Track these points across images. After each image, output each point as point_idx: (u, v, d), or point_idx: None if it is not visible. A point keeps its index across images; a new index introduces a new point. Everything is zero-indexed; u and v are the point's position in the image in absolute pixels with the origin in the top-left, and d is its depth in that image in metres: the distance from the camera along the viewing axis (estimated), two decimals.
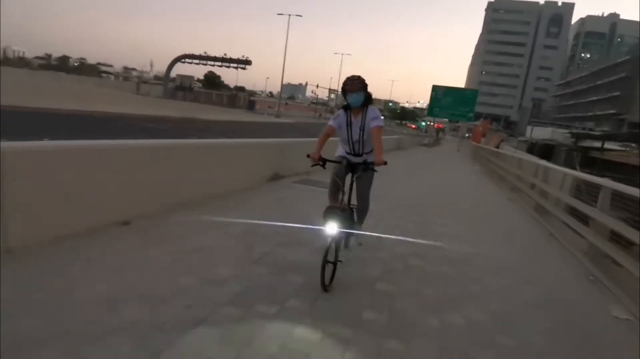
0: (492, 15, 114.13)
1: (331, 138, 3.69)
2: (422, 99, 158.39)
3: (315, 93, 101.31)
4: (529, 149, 26.38)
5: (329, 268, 3.21)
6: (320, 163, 3.51)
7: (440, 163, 20.40)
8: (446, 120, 48.67)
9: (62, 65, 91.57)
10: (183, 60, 54.19)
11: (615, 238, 4.51)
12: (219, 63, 55.11)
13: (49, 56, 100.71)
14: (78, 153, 3.80)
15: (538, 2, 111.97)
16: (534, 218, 7.58)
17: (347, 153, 3.81)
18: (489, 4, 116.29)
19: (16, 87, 25.58)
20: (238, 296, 2.96)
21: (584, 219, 5.45)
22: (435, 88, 33.71)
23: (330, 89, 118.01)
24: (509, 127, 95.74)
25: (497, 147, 24.60)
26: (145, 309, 2.60)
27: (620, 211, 4.88)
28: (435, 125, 54.03)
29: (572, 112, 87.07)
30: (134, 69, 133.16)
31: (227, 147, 6.95)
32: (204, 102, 52.56)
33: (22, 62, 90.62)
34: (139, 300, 2.70)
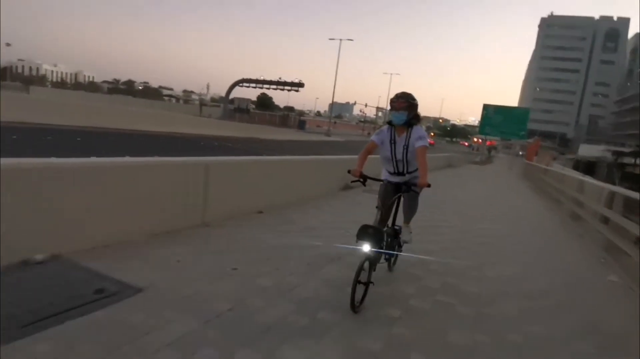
0: (546, 31, 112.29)
1: (372, 156, 3.68)
2: (474, 116, 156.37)
3: (363, 112, 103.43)
4: (575, 166, 27.03)
5: (360, 289, 3.16)
6: (361, 180, 3.50)
7: (490, 180, 21.45)
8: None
9: (129, 89, 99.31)
10: (241, 84, 58.09)
11: (625, 234, 5.92)
12: (274, 87, 58.49)
13: (117, 81, 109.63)
14: (245, 165, 5.93)
15: (593, 18, 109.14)
16: (568, 223, 8.91)
17: (390, 173, 3.78)
18: (542, 19, 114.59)
19: (105, 111, 29.13)
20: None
21: (605, 222, 6.82)
22: (486, 107, 34.61)
23: (377, 107, 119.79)
24: (565, 144, 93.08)
25: (548, 164, 25.30)
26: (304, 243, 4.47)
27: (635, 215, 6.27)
28: (487, 142, 54.11)
29: (630, 129, 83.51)
30: (192, 92, 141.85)
31: (309, 163, 8.89)
32: (258, 122, 55.92)
33: (93, 87, 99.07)
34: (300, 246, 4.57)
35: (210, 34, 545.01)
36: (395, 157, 3.58)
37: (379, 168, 3.89)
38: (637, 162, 22.83)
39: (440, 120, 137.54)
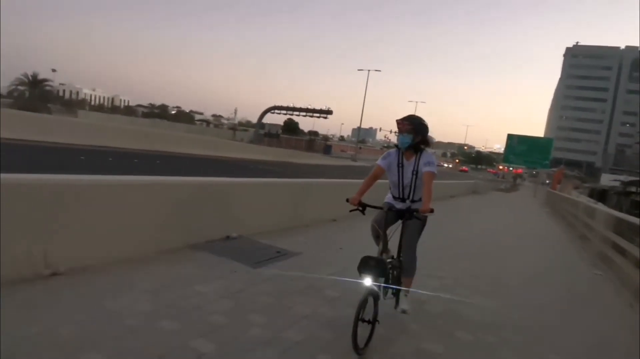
0: (571, 60, 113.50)
1: (380, 181, 3.52)
2: (499, 144, 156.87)
3: (388, 137, 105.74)
4: (590, 194, 28.67)
5: (364, 328, 2.88)
6: (360, 208, 3.26)
7: (513, 206, 23.18)
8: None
9: (163, 113, 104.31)
10: (272, 111, 61.45)
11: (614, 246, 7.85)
12: (304, 114, 61.54)
13: (152, 105, 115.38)
14: (317, 187, 8.13)
15: (618, 47, 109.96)
16: (576, 241, 10.80)
17: (395, 198, 3.59)
18: (567, 49, 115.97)
19: (151, 134, 31.75)
20: None
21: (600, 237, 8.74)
22: (510, 137, 36.43)
23: (394, 131, 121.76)
24: (593, 173, 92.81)
25: (568, 193, 26.89)
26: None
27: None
28: (514, 171, 55.42)
29: None
30: (220, 116, 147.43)
31: (346, 184, 11.09)
32: (286, 146, 58.81)
33: (129, 111, 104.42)
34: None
35: (236, 60, 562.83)
36: (403, 182, 3.45)
37: (383, 195, 3.71)
38: (639, 190, 24.57)
39: (465, 147, 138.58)
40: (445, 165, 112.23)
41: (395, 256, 3.50)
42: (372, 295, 2.91)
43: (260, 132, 64.11)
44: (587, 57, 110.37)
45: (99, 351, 2.48)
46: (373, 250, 3.32)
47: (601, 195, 28.14)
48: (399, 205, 3.48)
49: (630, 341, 4.01)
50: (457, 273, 5.67)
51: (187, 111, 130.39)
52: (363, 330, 2.85)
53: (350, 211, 3.30)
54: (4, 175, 3.14)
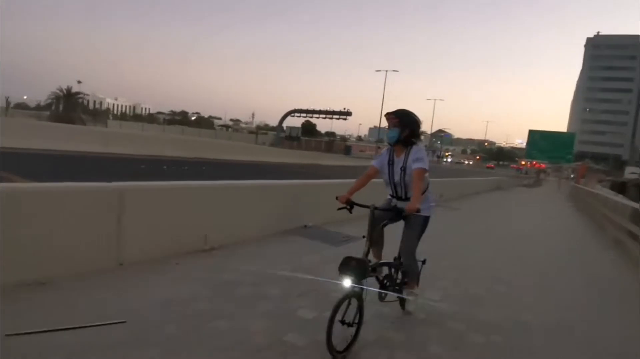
0: (592, 51, 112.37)
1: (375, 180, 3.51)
2: (520, 138, 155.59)
3: None
4: (611, 187, 29.47)
5: (344, 331, 2.81)
6: (348, 207, 3.27)
7: (536, 202, 24.19)
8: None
9: (184, 119, 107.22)
10: (292, 114, 63.26)
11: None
12: (323, 116, 63.13)
13: (173, 112, 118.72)
14: None
15: None
16: (596, 230, 12.02)
17: (391, 196, 3.58)
18: (588, 39, 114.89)
19: (182, 142, 33.44)
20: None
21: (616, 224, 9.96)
22: (532, 133, 37.26)
23: (421, 131, 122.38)
24: (620, 166, 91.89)
25: (592, 187, 27.65)
26: None
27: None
28: (536, 165, 55.78)
29: None
30: (239, 120, 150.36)
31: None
32: (306, 148, 60.48)
33: (151, 119, 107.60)
34: None
35: (251, 63, 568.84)
36: (393, 180, 3.43)
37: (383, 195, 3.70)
38: None
39: (486, 143, 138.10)
40: (466, 162, 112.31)
41: (397, 258, 3.52)
42: (353, 296, 2.81)
43: (281, 135, 65.93)
44: (609, 47, 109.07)
45: (273, 286, 4.09)
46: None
47: (621, 188, 29.06)
48: (394, 203, 3.49)
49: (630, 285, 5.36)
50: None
51: (207, 116, 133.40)
52: (345, 333, 2.84)
53: (338, 209, 3.28)
54: (190, 183, 5.04)
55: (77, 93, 46.29)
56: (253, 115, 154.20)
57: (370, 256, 3.21)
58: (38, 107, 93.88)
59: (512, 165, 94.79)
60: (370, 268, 3.04)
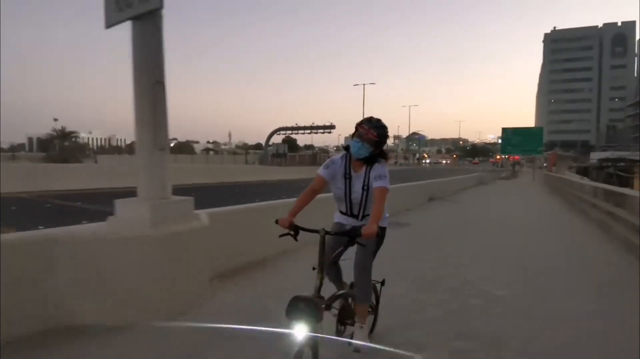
0: (551, 45, 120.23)
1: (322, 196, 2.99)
2: (492, 134, 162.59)
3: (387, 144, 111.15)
4: (577, 171, 34.27)
5: None
6: (292, 232, 2.66)
7: (517, 189, 28.02)
8: None
9: None
10: (279, 133, 66.45)
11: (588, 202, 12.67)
12: (308, 131, 66.57)
13: None
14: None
15: (597, 26, 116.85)
16: (564, 204, 15.66)
17: (342, 213, 3.11)
18: (546, 35, 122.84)
19: (177, 170, 35.31)
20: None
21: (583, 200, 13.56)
22: (505, 130, 41.47)
23: (394, 136, 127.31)
24: (588, 151, 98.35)
25: (562, 173, 31.95)
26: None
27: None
28: (510, 158, 60.29)
29: None
30: (217, 142, 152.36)
31: (406, 187, 15.79)
32: (292, 164, 63.68)
33: (131, 149, 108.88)
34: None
35: (221, 83, 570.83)
36: (350, 197, 2.96)
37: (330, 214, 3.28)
38: (610, 167, 31.01)
39: (460, 142, 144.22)
40: (444, 161, 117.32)
41: (352, 284, 3.09)
42: (308, 345, 2.27)
43: (269, 153, 68.98)
44: (567, 41, 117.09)
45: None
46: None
47: (585, 171, 34.02)
48: (350, 222, 3.03)
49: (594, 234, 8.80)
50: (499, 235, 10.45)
51: (184, 141, 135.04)
52: None
53: (280, 236, 2.67)
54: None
55: (72, 132, 48.48)
56: (230, 135, 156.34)
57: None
58: (12, 149, 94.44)
59: (491, 160, 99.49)
60: (324, 306, 2.53)
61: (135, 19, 4.13)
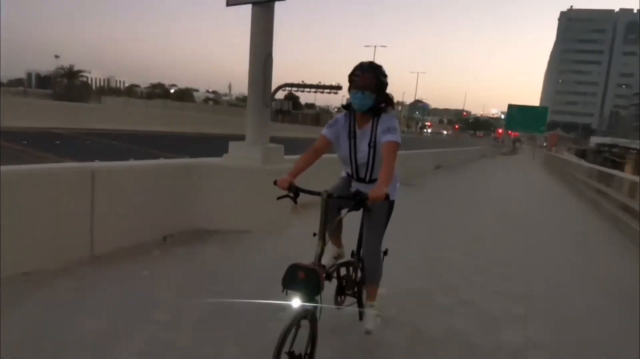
0: (566, 24, 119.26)
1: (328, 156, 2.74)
2: (496, 108, 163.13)
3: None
4: (575, 153, 36.52)
5: None
6: (291, 194, 2.41)
7: (518, 165, 29.64)
8: None
9: (165, 93, 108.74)
10: (284, 89, 66.81)
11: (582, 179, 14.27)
12: (314, 90, 66.98)
13: (153, 85, 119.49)
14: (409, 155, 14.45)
15: (613, 10, 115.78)
16: (561, 182, 17.29)
17: (349, 175, 2.85)
18: (562, 13, 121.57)
19: (185, 118, 34.99)
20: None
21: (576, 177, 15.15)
22: (511, 107, 42.77)
23: (397, 102, 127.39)
24: (589, 135, 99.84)
25: (561, 154, 33.75)
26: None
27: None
28: (511, 135, 61.69)
29: None
30: (215, 92, 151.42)
31: (418, 155, 17.22)
32: (294, 122, 64.28)
33: (130, 92, 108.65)
34: None
35: (222, 31, 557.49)
36: (356, 159, 2.68)
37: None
38: (606, 151, 33.64)
39: (464, 113, 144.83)
40: (445, 132, 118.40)
41: (355, 253, 2.91)
42: (304, 318, 2.10)
43: (273, 109, 69.71)
44: (582, 21, 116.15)
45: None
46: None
47: (582, 154, 36.35)
48: (356, 186, 2.70)
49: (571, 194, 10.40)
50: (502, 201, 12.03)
51: (184, 88, 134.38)
52: None
53: (278, 198, 2.46)
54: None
55: (80, 71, 48.89)
56: (230, 86, 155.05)
57: (327, 255, 2.57)
58: (10, 84, 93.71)
59: (493, 135, 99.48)
60: (325, 275, 2.31)
61: (255, 3, 5.40)
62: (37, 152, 11.76)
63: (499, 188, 13.79)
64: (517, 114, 41.85)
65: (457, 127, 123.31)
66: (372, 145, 2.62)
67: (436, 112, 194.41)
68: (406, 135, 71.32)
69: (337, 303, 2.84)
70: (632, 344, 3.15)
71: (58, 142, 14.95)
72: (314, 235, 2.33)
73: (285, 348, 2.01)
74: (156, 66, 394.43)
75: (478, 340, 3.06)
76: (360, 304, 2.99)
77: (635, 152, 35.39)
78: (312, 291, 2.10)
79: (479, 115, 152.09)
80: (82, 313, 2.91)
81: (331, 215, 2.43)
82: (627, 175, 10.97)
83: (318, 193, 2.29)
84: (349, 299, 2.94)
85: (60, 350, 2.49)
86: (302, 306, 2.07)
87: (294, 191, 2.40)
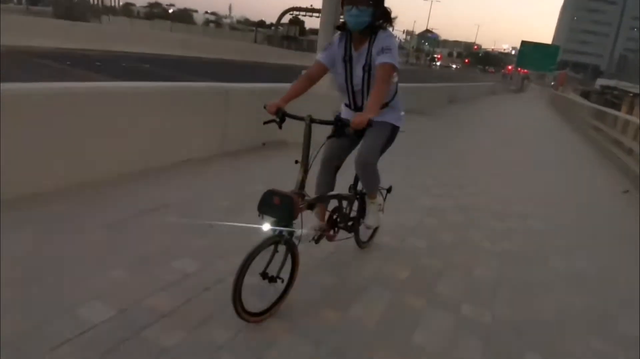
0: None
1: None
2: (507, 44, 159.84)
3: (398, 38, 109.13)
4: (581, 94, 38.24)
5: (267, 286, 2.17)
6: (277, 119, 2.33)
7: (526, 102, 31.05)
8: None
9: (163, 13, 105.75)
10: (291, 13, 65.64)
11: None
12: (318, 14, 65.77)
13: (152, 4, 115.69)
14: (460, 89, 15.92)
15: None
16: (564, 119, 18.86)
17: (347, 106, 2.69)
18: None
19: (186, 42, 32.99)
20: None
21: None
22: (524, 44, 43.29)
23: (406, 31, 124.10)
24: (597, 76, 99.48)
25: (568, 94, 35.00)
26: None
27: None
28: (520, 71, 61.84)
29: None
30: (214, 13, 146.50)
31: (433, 88, 18.48)
32: (298, 48, 63.08)
33: (129, 12, 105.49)
34: None
35: None
36: (352, 85, 2.53)
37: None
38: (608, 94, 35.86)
39: (475, 47, 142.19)
40: (454, 66, 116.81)
41: (352, 187, 2.91)
42: (278, 243, 2.15)
43: (278, 34, 68.51)
44: None
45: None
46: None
47: (586, 95, 38.17)
48: (352, 116, 2.25)
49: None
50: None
51: (182, 8, 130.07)
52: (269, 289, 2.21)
53: (265, 123, 2.37)
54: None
55: None
56: (230, 7, 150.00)
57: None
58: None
59: (503, 71, 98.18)
60: (305, 204, 2.30)
61: None
62: (86, 72, 12.96)
63: (508, 120, 15.46)
64: (530, 51, 42.40)
65: (467, 61, 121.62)
66: (367, 68, 2.42)
67: (446, 43, 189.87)
68: (415, 67, 71.00)
69: (329, 236, 2.79)
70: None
71: (98, 64, 16.11)
72: (296, 162, 2.28)
73: (259, 269, 2.09)
74: None
75: (498, 209, 4.91)
76: (357, 240, 3.09)
77: (631, 95, 37.81)
78: (285, 217, 2.11)
79: (490, 49, 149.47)
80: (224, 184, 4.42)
81: (330, 151, 2.67)
82: (619, 113, 12.43)
83: (302, 118, 2.25)
84: (343, 234, 2.92)
85: (233, 206, 3.70)
86: (274, 230, 2.11)
87: (280, 116, 2.32)
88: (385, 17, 2.39)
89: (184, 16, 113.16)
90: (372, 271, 2.91)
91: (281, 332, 2.13)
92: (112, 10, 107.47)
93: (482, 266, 3.22)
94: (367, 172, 2.63)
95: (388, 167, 3.09)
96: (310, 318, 2.28)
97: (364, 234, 3.14)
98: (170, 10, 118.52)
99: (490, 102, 24.67)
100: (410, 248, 3.39)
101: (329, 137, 2.30)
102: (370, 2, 2.29)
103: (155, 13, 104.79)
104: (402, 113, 2.73)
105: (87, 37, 23.59)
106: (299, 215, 2.16)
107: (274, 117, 2.33)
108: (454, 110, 16.53)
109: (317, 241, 2.68)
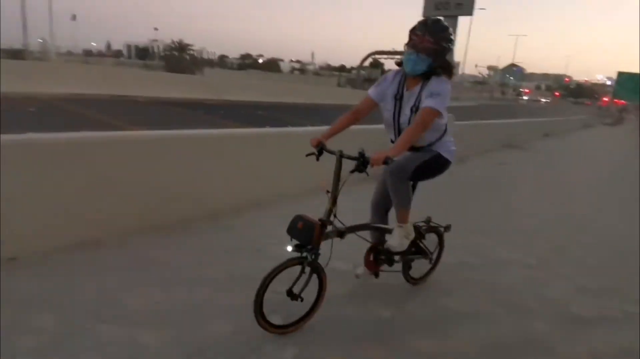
0: None
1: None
2: (601, 74, 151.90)
3: (481, 73, 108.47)
4: None
5: (288, 302, 2.40)
6: (316, 152, 2.55)
7: (624, 136, 30.00)
8: None
9: (254, 64, 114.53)
10: (374, 56, 68.74)
11: None
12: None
13: (243, 56, 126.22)
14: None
15: None
16: None
17: (392, 142, 2.68)
18: None
19: (291, 89, 34.58)
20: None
21: None
22: (621, 74, 42.08)
23: (489, 67, 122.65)
24: None
25: None
26: None
27: None
28: (618, 103, 58.84)
29: None
30: (298, 61, 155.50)
31: (525, 123, 19.15)
32: None
33: (223, 64, 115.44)
34: None
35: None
36: (399, 123, 2.60)
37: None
38: None
39: (566, 79, 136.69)
40: (543, 100, 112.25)
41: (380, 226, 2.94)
42: (301, 264, 2.38)
43: (361, 78, 71.72)
44: None
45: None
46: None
47: None
48: None
49: None
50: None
51: (270, 58, 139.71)
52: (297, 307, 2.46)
53: (307, 155, 2.56)
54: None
55: (188, 45, 54.54)
56: (313, 55, 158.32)
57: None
58: (101, 54, 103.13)
59: (598, 103, 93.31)
60: (334, 233, 2.50)
61: (445, 17, 8.28)
62: (221, 120, 15.36)
63: (601, 154, 15.82)
64: (627, 82, 41.06)
65: (557, 94, 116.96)
66: (414, 109, 2.49)
67: (533, 77, 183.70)
68: (501, 103, 69.71)
69: (370, 269, 2.94)
70: None
71: (222, 112, 18.79)
72: (327, 192, 2.44)
73: (286, 287, 2.39)
74: (236, 36, 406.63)
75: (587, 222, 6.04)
76: (404, 275, 3.11)
77: None
78: (306, 241, 2.33)
79: (583, 80, 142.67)
80: None
81: (381, 187, 2.88)
82: None
83: (333, 152, 2.45)
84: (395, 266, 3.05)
85: None
86: (296, 252, 2.37)
87: (319, 150, 2.51)
88: (444, 69, 2.49)
89: (272, 65, 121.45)
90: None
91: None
92: (210, 63, 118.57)
93: None
94: (395, 183, 2.64)
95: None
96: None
97: (416, 269, 3.18)
98: (260, 60, 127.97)
99: (587, 135, 24.61)
100: None
101: (351, 172, 2.35)
102: (432, 51, 2.39)
103: (247, 63, 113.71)
104: (453, 148, 2.79)
105: (201, 88, 26.77)
106: (331, 241, 2.48)
107: (313, 151, 2.55)
108: (553, 142, 17.15)
109: (376, 275, 2.99)
